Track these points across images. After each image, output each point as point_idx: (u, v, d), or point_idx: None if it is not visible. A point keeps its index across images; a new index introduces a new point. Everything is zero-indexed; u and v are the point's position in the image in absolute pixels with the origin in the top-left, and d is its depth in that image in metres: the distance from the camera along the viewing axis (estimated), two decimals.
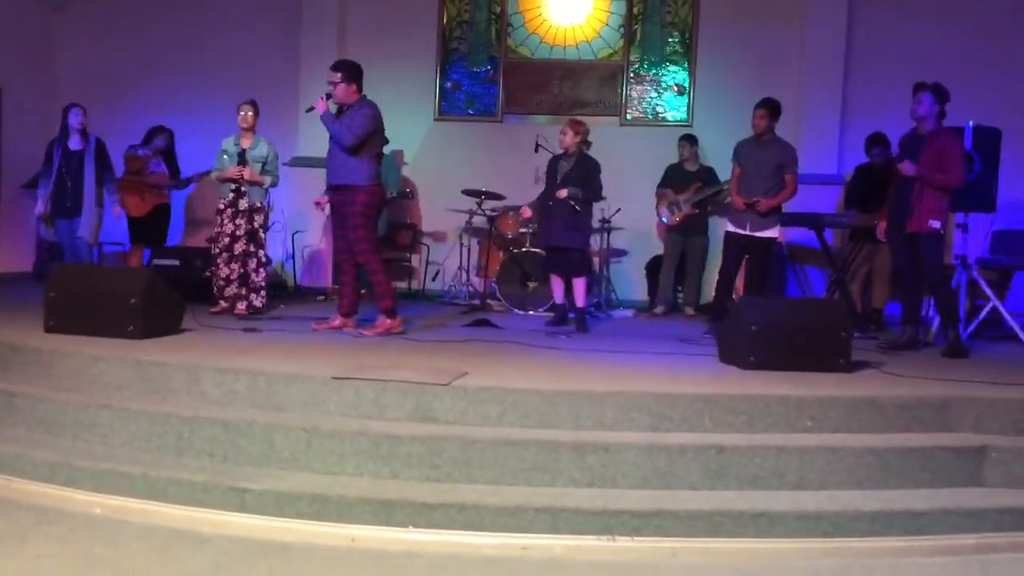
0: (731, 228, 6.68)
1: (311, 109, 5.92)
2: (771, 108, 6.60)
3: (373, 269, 5.90)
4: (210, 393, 4.23)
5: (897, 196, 5.88)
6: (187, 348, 4.81)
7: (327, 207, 6.24)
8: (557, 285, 6.96)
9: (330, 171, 5.93)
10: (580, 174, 6.65)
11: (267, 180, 6.71)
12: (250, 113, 6.70)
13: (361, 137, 5.79)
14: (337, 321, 6.01)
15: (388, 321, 5.92)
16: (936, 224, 5.65)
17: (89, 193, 7.15)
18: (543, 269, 7.76)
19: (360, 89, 5.94)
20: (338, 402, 4.07)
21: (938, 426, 4.11)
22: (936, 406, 4.14)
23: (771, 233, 6.62)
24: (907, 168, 5.66)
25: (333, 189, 5.96)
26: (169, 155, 8.39)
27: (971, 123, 6.50)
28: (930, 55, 8.46)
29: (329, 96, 5.87)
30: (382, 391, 4.05)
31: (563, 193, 6.59)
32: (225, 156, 6.72)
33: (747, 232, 6.57)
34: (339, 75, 5.83)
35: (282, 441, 3.82)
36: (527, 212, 6.94)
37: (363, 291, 6.23)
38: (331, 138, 5.86)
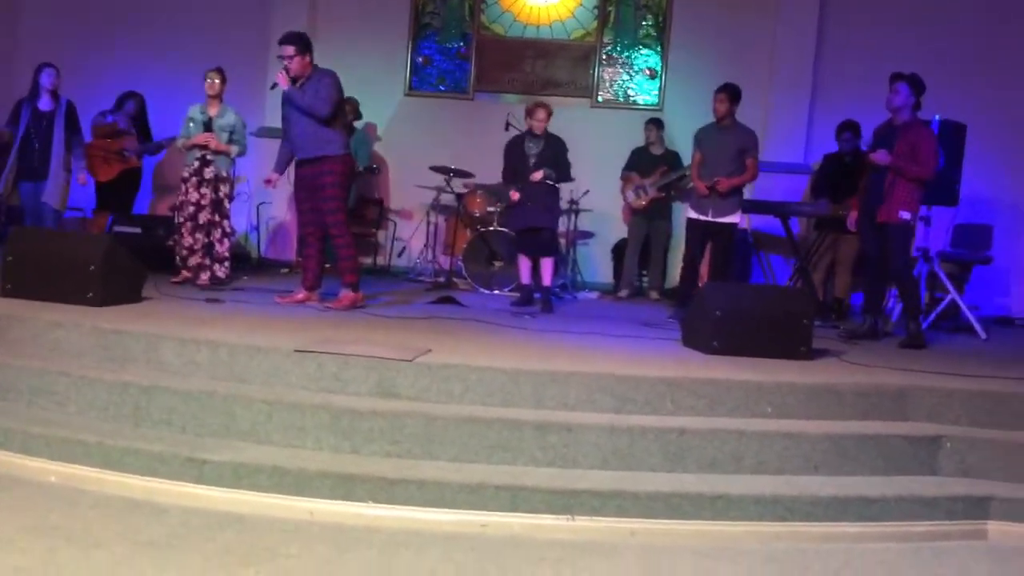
0: (692, 214, 6.70)
1: (275, 86, 5.84)
2: (731, 93, 6.63)
3: (344, 242, 5.89)
4: (170, 363, 4.18)
5: (869, 186, 5.90)
6: (147, 317, 4.74)
7: (277, 183, 6.19)
8: (524, 265, 6.95)
9: (299, 145, 5.85)
10: (552, 154, 6.67)
11: (234, 149, 6.63)
12: (217, 81, 6.59)
13: (334, 104, 5.76)
14: (301, 295, 5.96)
15: (352, 295, 5.90)
16: (906, 215, 5.68)
17: (57, 157, 6.98)
18: (510, 249, 7.77)
19: (312, 59, 5.88)
20: (300, 375, 4.04)
21: (895, 415, 4.17)
22: (893, 395, 4.21)
23: (733, 219, 6.66)
24: (880, 157, 5.68)
25: (301, 163, 5.88)
26: (140, 121, 8.24)
27: (938, 117, 6.56)
28: (899, 48, 8.50)
29: (286, 70, 5.77)
30: (345, 365, 4.03)
31: (538, 175, 6.59)
32: (191, 124, 6.62)
33: (709, 218, 6.60)
34: (292, 48, 5.75)
35: (242, 413, 3.79)
36: (516, 195, 6.82)
37: (327, 265, 6.13)
38: (294, 113, 5.78)
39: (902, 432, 3.98)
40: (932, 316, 6.67)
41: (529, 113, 6.78)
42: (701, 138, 6.79)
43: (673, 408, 4.03)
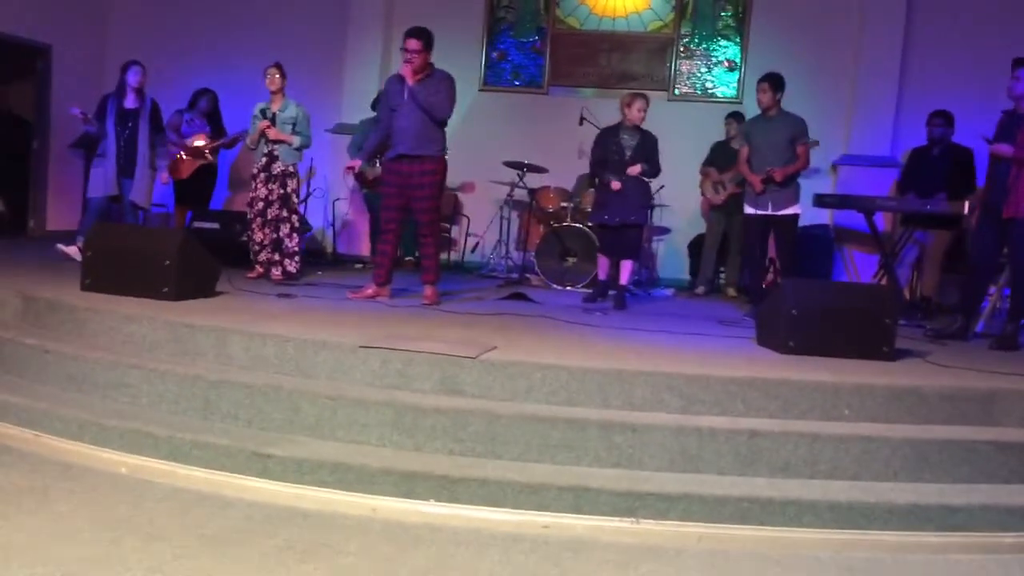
0: (750, 210, 6.50)
1: (410, 87, 5.78)
2: (774, 82, 6.44)
3: (433, 241, 6.00)
4: (238, 357, 4.22)
5: (994, 180, 5.56)
6: (219, 311, 4.80)
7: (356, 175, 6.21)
8: (603, 262, 6.84)
9: (402, 139, 5.82)
10: (646, 150, 6.54)
11: (296, 140, 6.64)
12: (276, 75, 6.64)
13: (453, 106, 5.91)
14: (371, 290, 5.99)
15: (435, 291, 6.00)
16: None
17: (143, 155, 7.15)
18: (583, 245, 7.68)
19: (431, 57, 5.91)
20: (365, 371, 4.04)
21: (982, 419, 3.96)
22: (981, 399, 3.99)
23: (794, 210, 6.44)
24: (1003, 149, 5.37)
25: (400, 158, 5.85)
26: (214, 117, 8.41)
27: None
28: (992, 36, 8.16)
29: (409, 63, 5.77)
30: (409, 362, 4.00)
31: (636, 169, 6.48)
32: (256, 121, 6.70)
33: (769, 212, 6.40)
34: (418, 43, 5.76)
35: (307, 408, 3.80)
36: (617, 185, 6.67)
37: (408, 259, 6.06)
38: (406, 106, 5.79)
39: (990, 438, 3.76)
40: None
41: (627, 104, 6.58)
42: (748, 131, 6.59)
43: (744, 409, 3.90)
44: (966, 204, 6.05)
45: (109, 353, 4.28)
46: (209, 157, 8.17)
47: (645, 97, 6.66)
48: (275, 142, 6.59)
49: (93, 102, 7.49)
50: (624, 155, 6.53)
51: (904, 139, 8.35)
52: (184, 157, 8.08)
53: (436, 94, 5.79)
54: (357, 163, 6.23)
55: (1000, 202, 5.43)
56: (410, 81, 5.78)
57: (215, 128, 8.35)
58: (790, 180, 6.41)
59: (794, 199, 6.44)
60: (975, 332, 5.91)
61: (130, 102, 7.15)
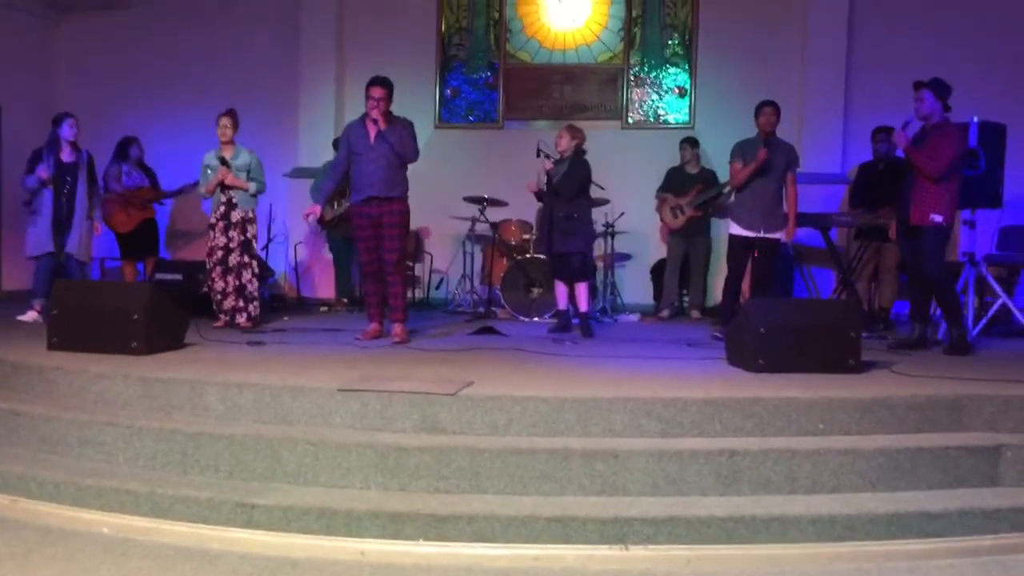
0: (739, 231, 6.59)
1: (377, 128, 5.97)
2: (778, 108, 6.59)
3: (399, 279, 6.17)
4: (215, 408, 4.20)
5: (900, 191, 5.84)
6: (191, 363, 4.77)
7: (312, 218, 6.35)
8: (561, 291, 6.92)
9: (369, 183, 5.98)
10: (569, 176, 6.67)
11: (252, 187, 6.64)
12: (228, 125, 6.64)
13: (418, 150, 6.16)
14: (372, 328, 6.19)
15: (404, 329, 6.10)
16: (938, 218, 5.59)
17: (81, 209, 7.05)
18: (547, 276, 7.74)
19: None
20: (344, 414, 4.04)
21: (951, 425, 4.06)
22: (948, 405, 4.09)
23: (780, 234, 6.59)
24: (898, 137, 5.68)
25: (368, 201, 6.00)
26: (144, 165, 8.32)
27: (976, 119, 6.45)
28: (932, 51, 8.41)
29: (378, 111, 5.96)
30: (388, 403, 4.01)
31: (532, 185, 6.89)
32: (208, 171, 6.69)
33: (761, 234, 6.51)
34: (384, 91, 5.97)
35: (288, 455, 3.78)
36: (533, 186, 6.86)
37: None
38: (371, 152, 5.97)
39: (960, 443, 3.86)
40: (983, 321, 6.50)
41: (557, 137, 6.86)
42: (745, 151, 6.65)
43: (721, 429, 3.95)
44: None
45: (82, 412, 4.24)
46: (152, 212, 8.11)
47: (572, 128, 6.87)
48: (232, 189, 6.58)
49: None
50: (551, 183, 6.73)
51: (852, 155, 8.56)
52: (129, 210, 7.98)
53: (402, 139, 5.99)
54: (316, 209, 6.27)
55: (907, 211, 5.70)
56: (381, 125, 5.93)
57: (150, 178, 8.27)
58: (780, 205, 6.56)
59: (783, 223, 6.56)
60: (937, 339, 6.06)
61: (67, 156, 7.03)
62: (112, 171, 8.09)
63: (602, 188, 7.56)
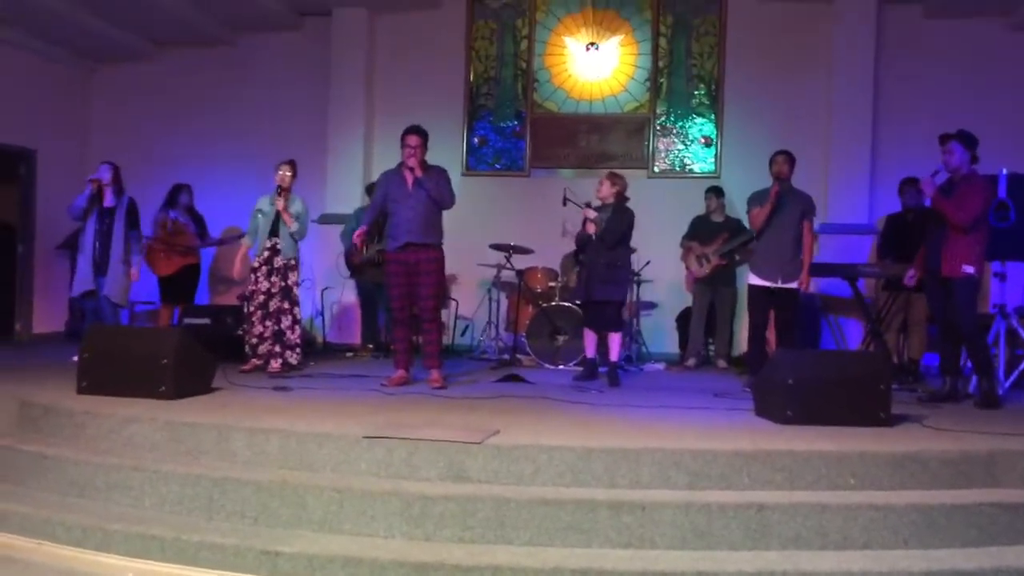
0: (757, 281, 6.55)
1: (414, 175, 6.09)
2: (791, 156, 6.62)
3: (435, 327, 6.29)
4: (241, 453, 4.21)
5: (930, 243, 5.83)
6: (218, 408, 4.80)
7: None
8: (590, 339, 6.91)
9: (407, 229, 6.10)
10: (614, 223, 6.71)
11: (294, 226, 6.72)
12: (288, 173, 6.78)
13: (454, 197, 6.28)
14: (399, 375, 6.20)
15: (441, 374, 6.18)
16: (970, 269, 5.58)
17: (117, 252, 7.17)
18: (573, 323, 7.75)
19: None
20: (370, 461, 4.03)
21: (985, 481, 4.00)
22: (982, 460, 4.03)
23: (798, 283, 6.55)
24: (926, 186, 5.69)
25: (405, 247, 6.10)
26: (193, 211, 8.48)
27: (1005, 171, 6.42)
28: (959, 101, 8.43)
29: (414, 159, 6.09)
30: (414, 450, 4.01)
31: (591, 213, 6.73)
32: (260, 215, 6.79)
33: (779, 284, 6.48)
34: (420, 139, 6.12)
35: (314, 502, 3.78)
36: (591, 217, 6.86)
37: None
38: (410, 199, 6.08)
39: (995, 500, 3.79)
40: (1015, 374, 6.41)
41: (598, 185, 6.96)
42: (761, 198, 6.62)
43: (750, 482, 3.91)
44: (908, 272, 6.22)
45: (110, 456, 4.27)
46: (194, 257, 8.22)
47: (614, 175, 6.95)
48: (275, 236, 6.71)
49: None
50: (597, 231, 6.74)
51: (880, 206, 8.53)
52: (172, 255, 8.12)
53: (438, 186, 6.11)
54: (364, 229, 6.29)
55: (937, 264, 5.69)
56: (418, 173, 6.05)
57: (198, 224, 8.41)
58: (798, 254, 6.53)
59: (799, 272, 6.53)
60: (968, 392, 5.99)
61: (108, 200, 7.21)
62: (159, 217, 8.25)
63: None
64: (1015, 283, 6.97)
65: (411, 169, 6.08)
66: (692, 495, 3.80)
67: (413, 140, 6.09)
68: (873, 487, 3.92)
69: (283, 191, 6.74)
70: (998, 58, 8.71)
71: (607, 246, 6.70)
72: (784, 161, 6.57)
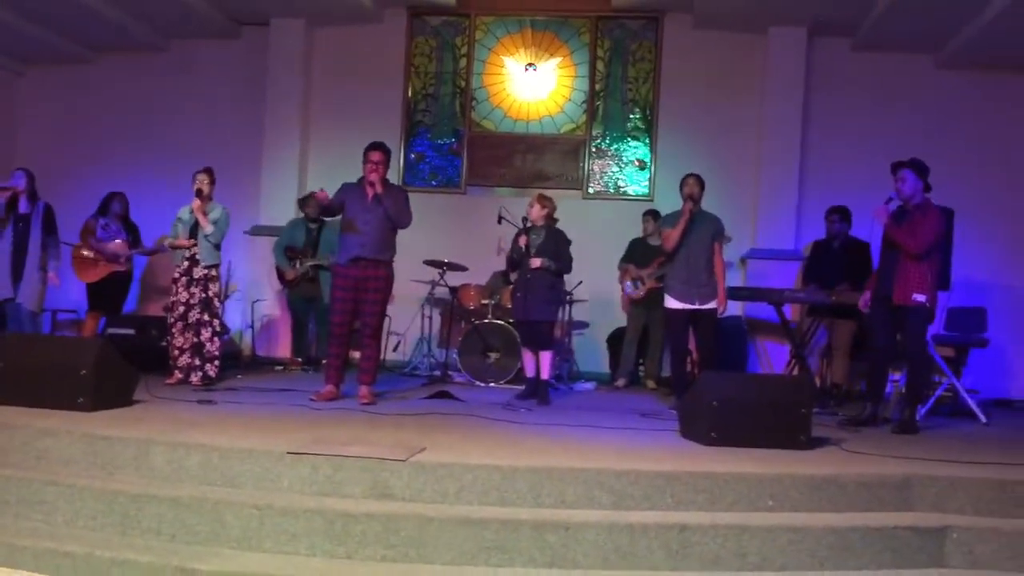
0: (675, 304, 6.60)
1: (374, 191, 6.05)
2: (701, 178, 6.70)
3: (377, 343, 6.28)
4: (160, 469, 4.11)
5: (882, 269, 5.91)
6: (138, 421, 4.68)
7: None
8: (529, 359, 6.92)
9: (363, 244, 6.05)
10: (551, 246, 6.73)
11: (209, 227, 6.58)
12: (205, 180, 6.68)
13: (411, 218, 6.27)
14: (328, 389, 6.11)
15: (370, 391, 6.14)
16: (921, 298, 5.64)
17: (33, 259, 7.03)
18: (504, 341, 7.77)
19: None
20: (293, 478, 3.97)
21: (899, 505, 4.09)
22: (897, 485, 4.13)
23: (715, 304, 6.62)
24: (879, 212, 5.78)
25: (356, 261, 6.05)
26: (127, 220, 8.30)
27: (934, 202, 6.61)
28: (882, 136, 8.69)
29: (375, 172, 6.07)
30: (339, 467, 3.96)
31: (536, 262, 6.65)
32: (180, 224, 6.69)
33: (696, 306, 6.55)
34: (383, 155, 6.12)
35: (233, 519, 3.71)
36: (536, 263, 6.83)
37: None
38: (366, 214, 6.04)
39: (907, 523, 3.89)
40: (931, 401, 6.60)
41: (529, 206, 6.97)
42: (673, 221, 6.66)
43: (673, 503, 3.95)
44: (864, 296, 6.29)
45: (22, 469, 4.12)
46: (124, 265, 8.03)
47: (543, 198, 6.98)
48: (195, 247, 6.58)
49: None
50: (529, 252, 6.74)
51: (806, 232, 8.73)
52: (98, 262, 7.92)
53: (396, 204, 6.11)
54: (325, 194, 6.15)
55: (889, 290, 5.74)
56: (379, 189, 6.03)
57: (131, 233, 8.23)
58: (712, 276, 6.60)
59: (716, 294, 6.61)
60: (888, 418, 6.13)
61: (23, 207, 7.09)
62: (89, 225, 8.07)
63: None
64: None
65: (372, 184, 6.04)
66: (616, 515, 3.82)
67: (376, 156, 6.08)
68: (792, 509, 3.99)
69: (202, 196, 6.63)
70: (922, 93, 9.01)
71: (556, 273, 6.76)
72: (695, 183, 6.65)
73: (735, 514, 3.91)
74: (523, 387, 7.03)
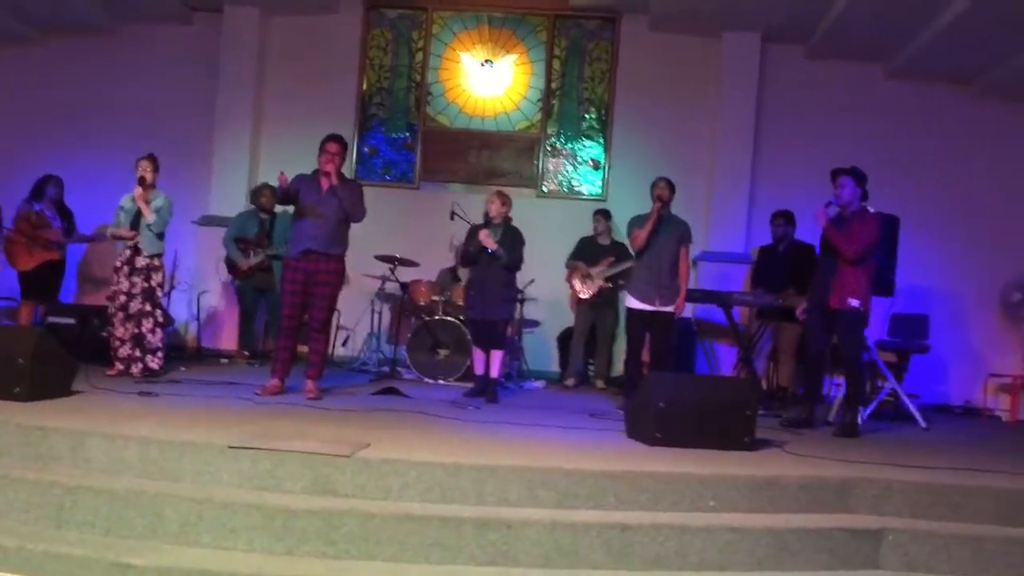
0: (636, 304, 6.66)
1: (329, 182, 5.96)
2: (672, 182, 6.74)
3: (325, 338, 6.27)
4: (97, 460, 4.02)
5: (819, 274, 6.01)
6: (76, 412, 4.58)
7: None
8: (479, 357, 6.90)
9: (315, 237, 5.97)
10: (507, 242, 6.72)
11: (151, 216, 6.45)
12: (149, 168, 6.54)
13: (365, 212, 6.19)
14: (274, 383, 6.01)
15: (316, 386, 6.06)
16: (855, 302, 5.75)
17: None
18: (454, 338, 7.75)
19: None
20: (233, 472, 3.92)
21: (837, 507, 4.15)
22: (836, 487, 4.20)
23: (674, 307, 6.69)
24: (819, 215, 5.87)
25: (307, 254, 5.96)
26: (61, 205, 8.07)
27: (871, 209, 6.71)
28: (833, 140, 8.81)
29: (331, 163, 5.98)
30: (280, 462, 3.91)
31: (491, 243, 6.62)
32: (122, 213, 6.57)
33: (656, 307, 6.60)
34: (340, 147, 6.04)
35: (171, 513, 3.64)
36: (492, 245, 6.76)
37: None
38: (321, 206, 5.95)
39: (845, 525, 3.95)
40: (872, 405, 6.72)
41: (488, 202, 6.91)
42: (641, 221, 6.74)
43: (616, 503, 3.97)
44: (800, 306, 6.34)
45: None
46: (58, 253, 7.82)
47: (503, 195, 6.95)
48: (136, 236, 6.46)
49: None
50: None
51: (757, 236, 8.83)
52: (32, 248, 7.70)
53: (350, 198, 6.02)
54: (285, 177, 6.00)
55: (825, 295, 5.85)
56: (334, 180, 5.94)
57: (66, 219, 8.02)
58: (675, 278, 6.64)
59: (676, 296, 6.65)
60: (829, 420, 6.23)
61: None
62: (23, 210, 7.80)
63: None
64: (876, 317, 7.31)
65: (327, 175, 5.95)
66: (558, 514, 3.82)
67: (333, 147, 6.01)
68: (732, 509, 4.03)
69: (144, 184, 6.51)
70: (872, 101, 9.16)
71: (506, 267, 6.73)
72: (666, 186, 6.70)
73: (677, 514, 3.94)
74: (472, 385, 7.02)
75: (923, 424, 6.61)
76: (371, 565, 3.54)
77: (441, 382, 7.71)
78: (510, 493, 3.93)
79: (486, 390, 6.72)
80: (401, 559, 3.59)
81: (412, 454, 4.05)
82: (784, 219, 7.81)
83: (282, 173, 6.03)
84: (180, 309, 8.96)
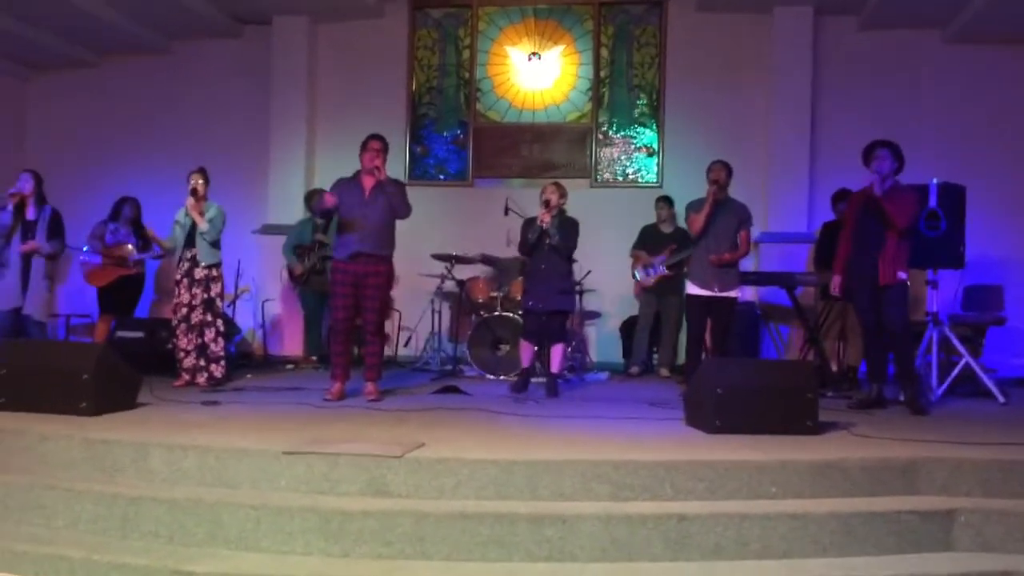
0: (695, 290, 6.58)
1: (375, 179, 5.99)
2: (728, 165, 6.64)
3: (380, 339, 6.27)
4: (159, 471, 4.11)
5: (861, 252, 5.88)
6: (139, 424, 4.69)
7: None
8: (527, 350, 6.84)
9: (362, 239, 5.98)
10: (563, 230, 6.66)
11: (204, 224, 6.52)
12: (200, 181, 6.65)
13: (410, 208, 6.18)
14: (337, 387, 6.05)
15: (377, 388, 6.11)
16: (904, 275, 5.74)
17: (38, 267, 6.94)
18: (514, 333, 7.72)
19: None
20: (289, 478, 3.96)
21: (905, 489, 4.01)
22: (902, 468, 4.05)
23: (735, 292, 6.59)
24: (877, 188, 5.76)
25: (356, 257, 5.98)
26: (138, 225, 8.31)
27: (935, 181, 6.51)
28: (894, 114, 8.57)
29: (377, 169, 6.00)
30: (335, 465, 3.94)
31: (546, 218, 6.54)
32: (178, 227, 6.69)
33: (715, 293, 6.50)
34: (383, 144, 6.07)
35: (229, 520, 3.69)
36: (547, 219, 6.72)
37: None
38: (367, 207, 5.99)
39: (913, 507, 3.81)
40: (948, 382, 6.48)
41: (542, 193, 6.77)
42: (698, 206, 6.65)
43: (672, 493, 3.90)
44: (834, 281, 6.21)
45: (24, 474, 4.14)
46: (132, 268, 8.04)
47: (558, 185, 6.85)
48: (194, 246, 6.58)
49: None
50: (549, 233, 6.63)
51: (818, 214, 8.62)
52: (104, 266, 7.94)
53: (396, 195, 6.03)
54: (331, 198, 6.03)
55: (871, 272, 5.77)
56: (382, 175, 5.96)
57: (141, 237, 8.23)
58: (734, 263, 6.56)
59: (738, 281, 6.57)
60: (900, 400, 6.04)
61: (30, 213, 6.96)
62: (97, 231, 8.09)
63: None
64: (947, 291, 7.08)
65: (376, 169, 5.95)
66: (613, 506, 3.77)
67: (376, 144, 6.03)
68: (794, 496, 3.92)
69: (197, 196, 6.60)
70: (931, 69, 8.88)
71: (563, 257, 6.68)
72: (721, 169, 6.59)
73: (736, 502, 3.85)
74: (516, 379, 6.92)
75: (1001, 399, 6.37)
76: (427, 564, 3.54)
77: (503, 378, 7.69)
78: (564, 487, 3.89)
79: (547, 384, 6.66)
80: (457, 558, 3.58)
81: (466, 452, 4.04)
82: (846, 202, 7.58)
83: (327, 194, 6.08)
84: (245, 318, 9.11)
